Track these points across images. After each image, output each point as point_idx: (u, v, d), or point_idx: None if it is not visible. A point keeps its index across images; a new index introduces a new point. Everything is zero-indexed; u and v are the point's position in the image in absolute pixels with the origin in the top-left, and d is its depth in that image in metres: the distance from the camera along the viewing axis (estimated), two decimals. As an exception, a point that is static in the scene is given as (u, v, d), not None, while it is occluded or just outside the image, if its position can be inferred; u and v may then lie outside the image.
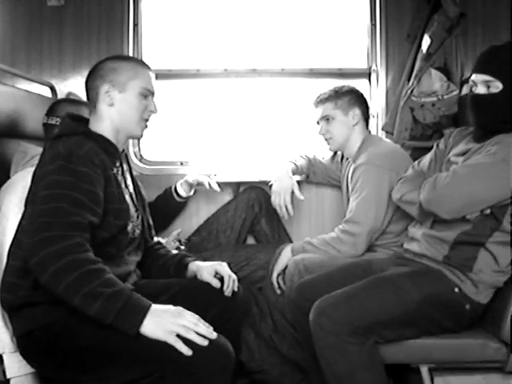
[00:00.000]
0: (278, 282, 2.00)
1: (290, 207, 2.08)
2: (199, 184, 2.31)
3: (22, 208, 1.53)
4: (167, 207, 2.34)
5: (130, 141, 2.52)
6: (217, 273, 1.60)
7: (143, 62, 1.56)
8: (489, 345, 1.55)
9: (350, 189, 2.06)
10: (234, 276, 1.61)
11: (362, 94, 2.13)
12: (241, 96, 2.61)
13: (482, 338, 1.57)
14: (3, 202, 1.56)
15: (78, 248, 1.24)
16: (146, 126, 1.56)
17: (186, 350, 1.19)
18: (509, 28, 2.37)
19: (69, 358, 1.30)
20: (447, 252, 1.58)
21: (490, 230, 1.54)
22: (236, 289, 1.59)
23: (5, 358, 1.45)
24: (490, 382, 1.59)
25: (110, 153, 1.47)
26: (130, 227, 1.48)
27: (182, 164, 2.57)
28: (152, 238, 1.74)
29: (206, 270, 1.61)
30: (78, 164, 1.33)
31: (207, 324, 1.27)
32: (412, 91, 2.27)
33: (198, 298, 1.54)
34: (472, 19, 2.40)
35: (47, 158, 1.37)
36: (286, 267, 1.97)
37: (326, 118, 2.07)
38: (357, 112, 2.06)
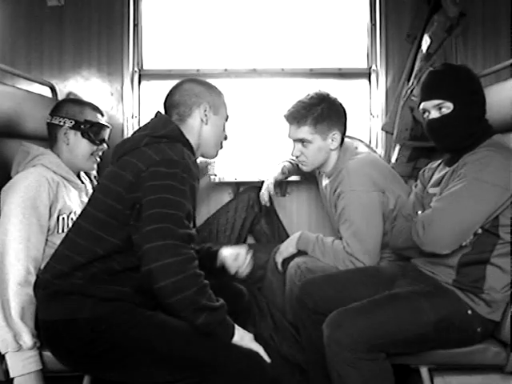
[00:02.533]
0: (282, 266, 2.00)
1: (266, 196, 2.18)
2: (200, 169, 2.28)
3: (24, 208, 1.54)
4: None
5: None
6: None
7: (221, 92, 1.65)
8: (489, 349, 1.55)
9: (328, 201, 2.02)
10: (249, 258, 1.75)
11: (339, 108, 1.93)
12: (241, 96, 2.61)
13: (482, 343, 1.56)
14: (5, 202, 1.56)
15: (195, 262, 1.32)
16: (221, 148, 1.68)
17: (267, 358, 1.37)
18: (509, 28, 2.38)
19: (108, 353, 1.35)
20: (455, 276, 1.58)
21: (491, 246, 1.54)
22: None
23: (7, 357, 1.45)
24: (489, 382, 1.59)
25: None
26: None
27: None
28: None
29: (227, 253, 1.74)
30: (190, 176, 1.38)
31: None
32: (412, 91, 2.27)
33: None
34: (472, 19, 2.40)
35: (158, 159, 1.36)
36: (290, 257, 1.96)
37: (302, 141, 1.92)
38: (336, 136, 1.90)
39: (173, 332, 1.34)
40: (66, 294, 1.37)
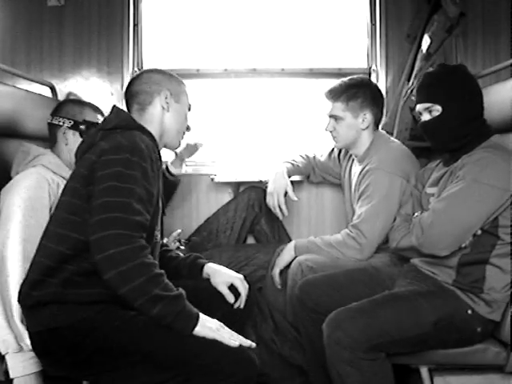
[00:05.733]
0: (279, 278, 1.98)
1: (283, 208, 2.07)
2: (189, 149, 2.28)
3: (24, 209, 1.54)
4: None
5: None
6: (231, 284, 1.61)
7: (182, 81, 1.63)
8: (489, 349, 1.55)
9: (353, 189, 2.05)
10: (247, 288, 1.63)
11: (376, 93, 2.04)
12: (241, 96, 2.61)
13: (482, 343, 1.56)
14: (5, 203, 1.56)
15: (144, 251, 1.28)
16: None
17: (234, 343, 1.30)
18: (509, 28, 2.38)
19: (94, 357, 1.32)
20: (455, 276, 1.58)
21: (491, 246, 1.54)
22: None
23: (8, 358, 1.45)
24: (489, 382, 1.59)
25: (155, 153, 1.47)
26: (156, 231, 1.48)
27: (181, 164, 2.57)
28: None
29: (221, 279, 1.62)
30: (141, 159, 1.33)
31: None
32: (412, 91, 2.27)
33: (203, 300, 1.53)
34: (472, 19, 2.40)
35: (107, 147, 1.34)
36: (288, 264, 1.96)
37: (335, 117, 2.01)
38: (368, 116, 1.99)
39: (156, 332, 1.30)
40: (44, 304, 1.34)
